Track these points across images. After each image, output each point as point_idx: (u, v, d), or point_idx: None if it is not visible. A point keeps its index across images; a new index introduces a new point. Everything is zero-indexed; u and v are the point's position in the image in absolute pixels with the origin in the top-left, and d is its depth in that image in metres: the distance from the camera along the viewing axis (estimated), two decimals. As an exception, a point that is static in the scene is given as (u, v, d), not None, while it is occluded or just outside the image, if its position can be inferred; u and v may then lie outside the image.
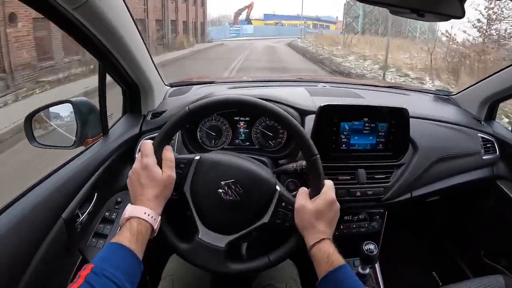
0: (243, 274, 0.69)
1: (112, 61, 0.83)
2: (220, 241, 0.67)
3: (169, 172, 0.66)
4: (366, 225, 0.99)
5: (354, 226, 0.98)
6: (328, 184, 0.68)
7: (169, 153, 0.68)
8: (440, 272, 1.30)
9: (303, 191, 0.68)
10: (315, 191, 0.68)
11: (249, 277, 0.87)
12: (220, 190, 0.68)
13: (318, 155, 0.68)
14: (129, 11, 0.79)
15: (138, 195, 0.64)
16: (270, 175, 0.73)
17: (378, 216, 0.99)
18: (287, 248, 0.69)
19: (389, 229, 1.02)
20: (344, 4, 27.83)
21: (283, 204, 0.68)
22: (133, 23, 0.81)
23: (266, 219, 0.68)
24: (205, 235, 0.68)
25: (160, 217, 0.64)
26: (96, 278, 0.50)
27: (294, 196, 0.69)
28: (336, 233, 0.96)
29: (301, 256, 0.71)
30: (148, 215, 0.61)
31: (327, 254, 0.60)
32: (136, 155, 0.93)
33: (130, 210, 0.61)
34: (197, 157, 0.71)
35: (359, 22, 23.26)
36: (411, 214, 1.20)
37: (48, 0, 0.60)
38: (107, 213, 0.88)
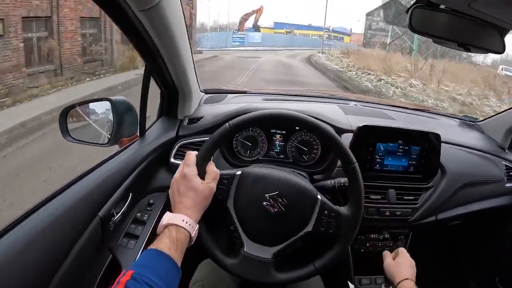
0: (291, 282, 0.71)
1: (159, 64, 0.83)
2: (266, 252, 0.69)
3: (211, 184, 0.67)
4: (391, 244, 1.00)
5: (380, 244, 0.99)
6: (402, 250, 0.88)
7: (213, 166, 0.70)
8: None
9: (387, 253, 0.90)
10: (354, 202, 0.71)
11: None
12: (265, 203, 0.70)
13: (357, 163, 0.72)
14: (183, 14, 0.80)
15: (176, 203, 0.65)
16: (310, 185, 0.75)
17: (402, 236, 1.00)
18: (332, 255, 0.71)
19: (411, 249, 1.03)
20: (366, 15, 24.02)
21: (326, 212, 0.71)
22: (185, 27, 0.82)
23: (309, 228, 0.70)
24: (250, 248, 0.69)
25: (198, 225, 0.64)
26: (136, 284, 0.50)
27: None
28: (362, 249, 0.97)
29: (328, 270, 0.72)
30: (186, 222, 0.61)
31: None
32: (171, 159, 0.95)
33: (168, 217, 0.62)
34: (239, 172, 0.73)
35: (415, 38, 14.91)
36: (433, 236, 1.21)
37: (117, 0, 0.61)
38: (138, 214, 0.88)
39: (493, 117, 1.29)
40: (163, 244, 0.57)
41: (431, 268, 1.37)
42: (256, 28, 34.00)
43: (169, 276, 0.54)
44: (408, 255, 0.87)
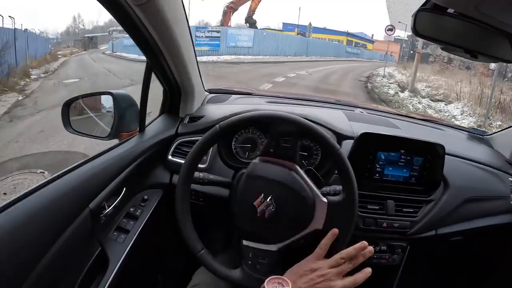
0: None
1: (160, 61, 0.83)
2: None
3: None
4: (387, 257, 0.97)
5: (376, 256, 0.96)
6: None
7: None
8: None
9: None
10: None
11: None
12: (259, 206, 0.69)
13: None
14: (185, 12, 0.80)
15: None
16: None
17: (400, 250, 0.97)
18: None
19: (408, 264, 1.00)
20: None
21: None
22: (187, 25, 0.82)
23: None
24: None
25: None
26: None
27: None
28: None
29: None
30: None
31: None
32: (169, 157, 0.95)
33: None
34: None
35: None
36: (432, 252, 1.18)
37: None
38: (131, 209, 0.88)
39: (502, 131, 1.24)
40: None
41: (431, 286, 1.33)
42: (250, 23, 19.47)
43: None
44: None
